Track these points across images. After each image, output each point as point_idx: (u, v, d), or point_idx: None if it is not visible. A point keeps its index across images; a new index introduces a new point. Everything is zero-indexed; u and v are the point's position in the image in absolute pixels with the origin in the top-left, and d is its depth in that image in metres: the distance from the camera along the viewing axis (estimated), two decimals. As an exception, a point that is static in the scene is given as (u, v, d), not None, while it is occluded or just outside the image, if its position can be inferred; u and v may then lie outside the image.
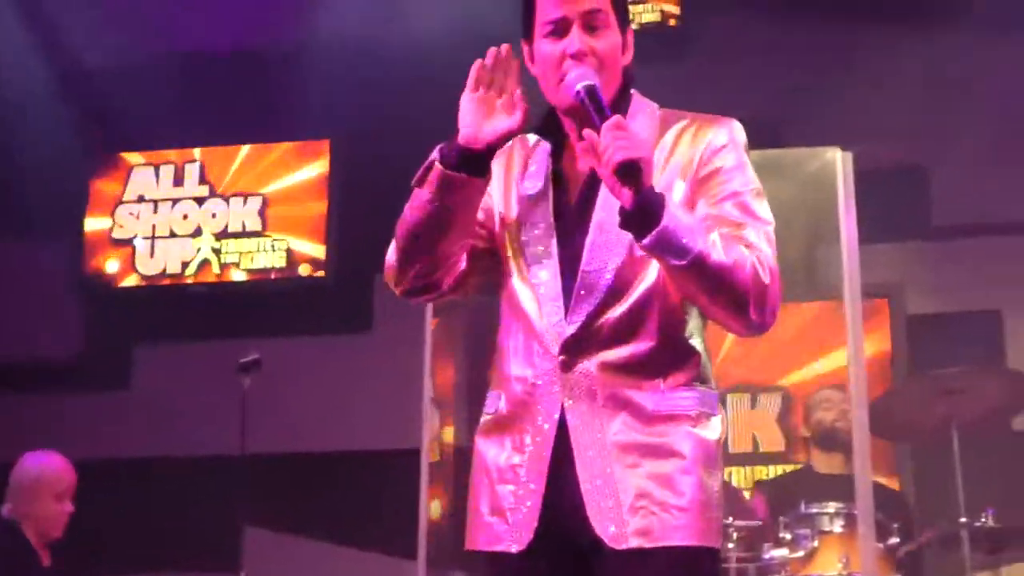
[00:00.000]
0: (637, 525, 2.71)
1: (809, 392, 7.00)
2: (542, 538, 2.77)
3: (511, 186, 3.00)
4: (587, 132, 2.69)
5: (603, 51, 2.88)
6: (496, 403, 2.93)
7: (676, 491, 2.74)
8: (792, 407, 7.18)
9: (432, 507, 6.39)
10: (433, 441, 6.54)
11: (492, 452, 2.90)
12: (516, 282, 2.93)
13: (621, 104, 2.93)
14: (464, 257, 2.96)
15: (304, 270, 8.88)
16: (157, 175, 9.17)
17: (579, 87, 2.79)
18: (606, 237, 2.84)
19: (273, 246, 8.93)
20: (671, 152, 2.89)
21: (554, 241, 2.88)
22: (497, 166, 2.96)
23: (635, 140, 2.65)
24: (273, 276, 8.90)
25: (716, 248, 2.70)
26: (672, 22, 8.74)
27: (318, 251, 8.85)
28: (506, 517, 2.82)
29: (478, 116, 2.82)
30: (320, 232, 8.87)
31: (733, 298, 2.74)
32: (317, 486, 8.29)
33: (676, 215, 2.67)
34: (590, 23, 2.89)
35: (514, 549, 2.79)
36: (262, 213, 8.99)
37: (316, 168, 8.99)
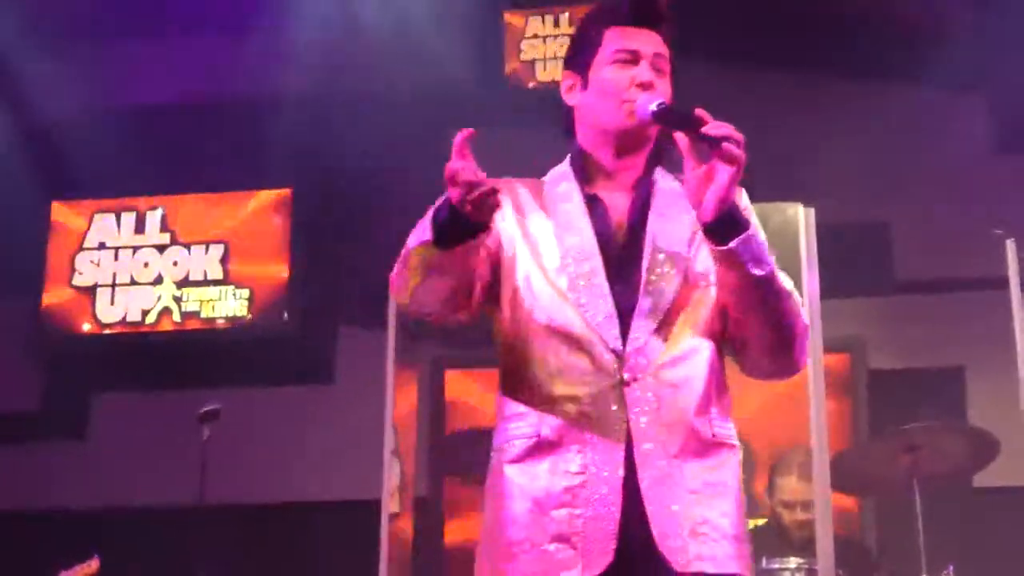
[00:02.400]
0: (699, 551, 2.76)
1: (772, 454, 6.97)
2: (620, 559, 2.75)
3: (529, 217, 3.06)
4: (679, 136, 2.79)
5: (662, 92, 3.00)
6: (535, 427, 2.88)
7: (731, 521, 2.83)
8: (755, 470, 7.15)
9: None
10: (393, 492, 6.51)
11: (533, 478, 2.85)
12: (553, 304, 2.93)
13: (655, 155, 3.09)
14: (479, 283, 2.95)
15: (266, 319, 8.83)
16: (119, 222, 9.12)
17: (653, 106, 2.89)
18: (663, 264, 2.93)
19: (235, 295, 8.88)
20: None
21: (603, 268, 2.93)
22: (504, 198, 2.97)
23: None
24: (235, 325, 8.85)
25: (782, 274, 2.86)
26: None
27: (280, 300, 8.80)
28: (572, 542, 2.77)
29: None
30: (283, 282, 8.82)
31: (789, 326, 2.88)
32: (276, 537, 8.23)
33: (758, 225, 2.82)
34: (657, 65, 3.03)
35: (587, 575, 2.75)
36: (224, 261, 8.94)
37: (279, 217, 8.95)
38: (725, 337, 2.97)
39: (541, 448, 2.85)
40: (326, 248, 8.69)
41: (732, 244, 2.75)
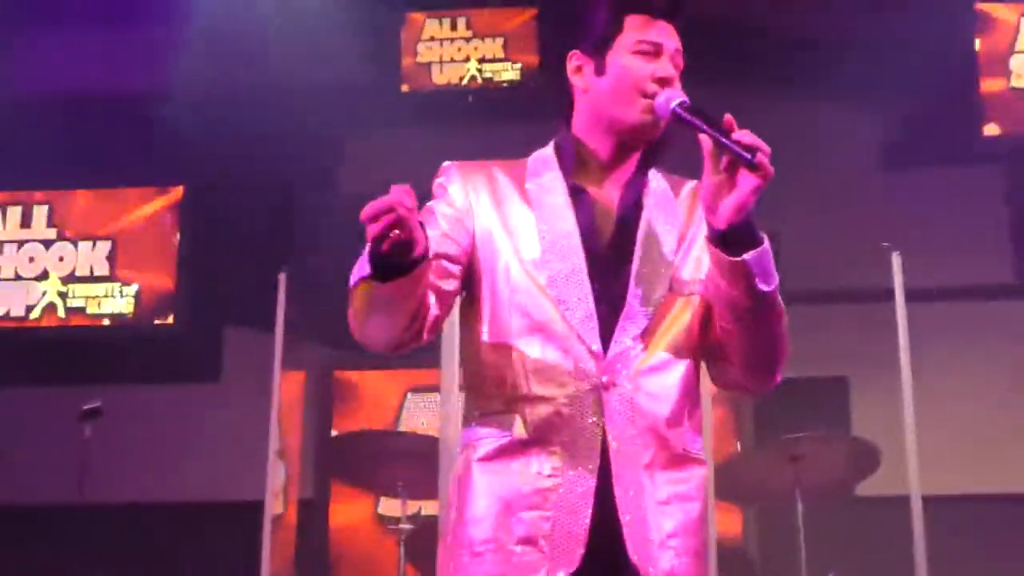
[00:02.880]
0: (667, 564, 2.70)
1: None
2: (587, 564, 2.67)
3: (509, 206, 2.93)
4: (703, 138, 2.68)
5: (679, 86, 2.91)
6: (507, 426, 2.77)
7: (698, 537, 2.77)
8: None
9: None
10: (278, 494, 6.47)
11: (503, 478, 2.75)
12: (532, 299, 2.81)
13: (651, 153, 3.00)
14: (434, 303, 2.79)
15: (153, 317, 8.74)
16: (4, 216, 8.99)
17: (675, 104, 2.79)
18: (651, 268, 2.83)
19: (121, 292, 8.78)
20: (689, 216, 2.95)
21: (585, 266, 2.82)
22: (480, 186, 2.94)
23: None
24: (120, 322, 8.74)
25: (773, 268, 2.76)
26: (531, 81, 8.85)
27: (167, 298, 8.72)
28: (539, 545, 2.69)
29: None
30: (170, 279, 8.74)
31: (777, 346, 2.83)
32: (158, 538, 8.14)
33: (767, 240, 2.70)
34: (676, 61, 2.94)
35: None
36: (111, 258, 8.84)
37: (167, 215, 8.87)
38: (703, 346, 2.88)
39: (513, 448, 2.75)
40: (215, 247, 8.61)
41: (746, 256, 2.65)
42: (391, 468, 6.03)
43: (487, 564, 2.71)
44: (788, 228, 8.09)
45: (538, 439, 2.74)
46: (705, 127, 2.67)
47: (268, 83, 8.54)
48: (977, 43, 8.55)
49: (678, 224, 2.90)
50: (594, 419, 2.73)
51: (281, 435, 6.45)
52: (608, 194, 2.93)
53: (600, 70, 2.95)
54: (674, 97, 2.81)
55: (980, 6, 8.64)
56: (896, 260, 6.01)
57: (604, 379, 2.75)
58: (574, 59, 3.00)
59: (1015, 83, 8.57)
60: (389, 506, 8.14)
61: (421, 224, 2.57)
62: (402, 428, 8.28)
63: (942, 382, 7.43)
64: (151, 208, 8.92)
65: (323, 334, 8.18)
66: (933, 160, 8.30)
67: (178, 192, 8.92)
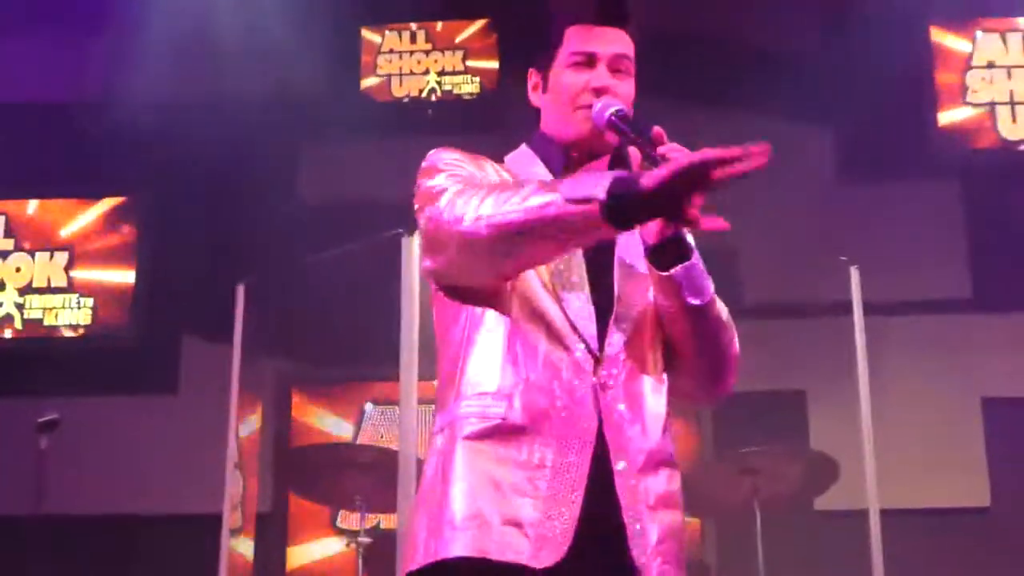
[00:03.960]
0: (656, 571, 2.70)
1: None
2: (573, 559, 2.63)
3: None
4: (632, 150, 2.70)
5: (623, 95, 2.87)
6: (500, 410, 2.71)
7: (680, 544, 2.78)
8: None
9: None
10: (235, 507, 6.44)
11: (499, 459, 2.69)
12: (535, 292, 2.78)
13: (619, 160, 2.92)
14: None
15: (110, 328, 8.70)
16: (-41, 227, 8.95)
17: (610, 112, 2.77)
18: (632, 272, 2.84)
19: (79, 303, 8.73)
20: None
21: (583, 266, 2.81)
22: (488, 168, 2.93)
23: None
24: (77, 334, 8.70)
25: (718, 301, 2.80)
26: (491, 93, 8.88)
27: (124, 310, 8.67)
28: (524, 530, 2.63)
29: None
30: (127, 291, 8.70)
31: (721, 355, 2.85)
32: (116, 550, 8.09)
33: (697, 255, 2.73)
34: (616, 66, 2.90)
35: (535, 564, 2.62)
36: (68, 269, 8.80)
37: (125, 225, 8.83)
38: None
39: (503, 432, 2.70)
40: (172, 257, 8.57)
41: (674, 271, 2.70)
42: (350, 481, 6.02)
43: (469, 539, 2.65)
44: (746, 243, 8.16)
45: (532, 427, 2.70)
46: (633, 138, 2.68)
47: (226, 92, 8.52)
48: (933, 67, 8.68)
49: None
50: (590, 417, 2.71)
51: (239, 448, 6.42)
52: None
53: (545, 87, 2.98)
54: (609, 106, 2.80)
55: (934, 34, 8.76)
56: (854, 274, 6.04)
57: (601, 379, 2.74)
58: (531, 77, 3.02)
59: (971, 98, 8.65)
60: (347, 519, 8.13)
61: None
62: (361, 441, 8.27)
63: (900, 396, 7.46)
64: (108, 218, 8.88)
65: (282, 345, 8.16)
66: (890, 174, 8.34)
67: (135, 202, 8.88)
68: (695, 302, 2.73)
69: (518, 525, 2.64)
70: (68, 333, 8.73)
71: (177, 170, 8.45)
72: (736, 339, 2.88)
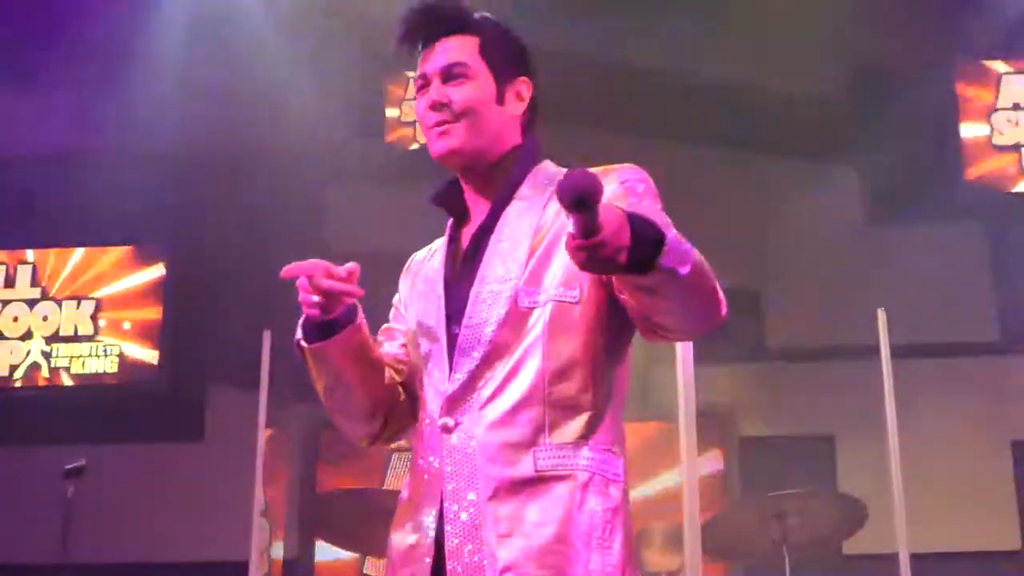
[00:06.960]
0: None
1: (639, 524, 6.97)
2: None
3: (415, 288, 2.92)
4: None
5: (460, 100, 2.80)
6: (405, 492, 2.77)
7: (544, 564, 2.52)
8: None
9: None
10: (262, 554, 6.42)
11: (396, 540, 2.71)
12: (417, 360, 2.81)
13: (509, 159, 2.86)
14: (400, 392, 2.85)
15: (136, 376, 8.71)
16: (-12, 276, 8.99)
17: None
18: (489, 288, 2.69)
19: (105, 351, 8.76)
20: (555, 216, 2.73)
21: (441, 303, 2.76)
22: (404, 284, 2.95)
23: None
24: (104, 382, 8.71)
25: (684, 240, 2.47)
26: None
27: (151, 357, 8.69)
28: None
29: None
30: (153, 338, 8.72)
31: (711, 291, 2.55)
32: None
33: (663, 223, 2.44)
34: (447, 75, 2.84)
35: None
36: (94, 317, 8.83)
37: (151, 273, 8.87)
38: (612, 335, 2.69)
39: (404, 511, 2.73)
40: (199, 305, 8.60)
41: (661, 261, 2.34)
42: (377, 527, 5.99)
43: None
44: (773, 288, 8.15)
45: (411, 496, 2.74)
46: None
47: (255, 143, 8.55)
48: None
49: (531, 230, 2.73)
50: (438, 469, 2.65)
51: (266, 495, 6.41)
52: (471, 230, 2.83)
53: None
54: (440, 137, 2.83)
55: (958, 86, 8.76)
56: (881, 317, 6.01)
57: (443, 421, 2.66)
58: None
59: (996, 140, 8.63)
60: (374, 566, 8.11)
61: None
62: (387, 487, 8.25)
63: (928, 439, 7.43)
64: (135, 266, 8.91)
65: (308, 392, 8.15)
66: (917, 219, 8.32)
67: (161, 250, 8.91)
68: (684, 271, 2.41)
69: None
70: (94, 381, 8.74)
71: (204, 218, 8.48)
72: (710, 270, 2.53)
